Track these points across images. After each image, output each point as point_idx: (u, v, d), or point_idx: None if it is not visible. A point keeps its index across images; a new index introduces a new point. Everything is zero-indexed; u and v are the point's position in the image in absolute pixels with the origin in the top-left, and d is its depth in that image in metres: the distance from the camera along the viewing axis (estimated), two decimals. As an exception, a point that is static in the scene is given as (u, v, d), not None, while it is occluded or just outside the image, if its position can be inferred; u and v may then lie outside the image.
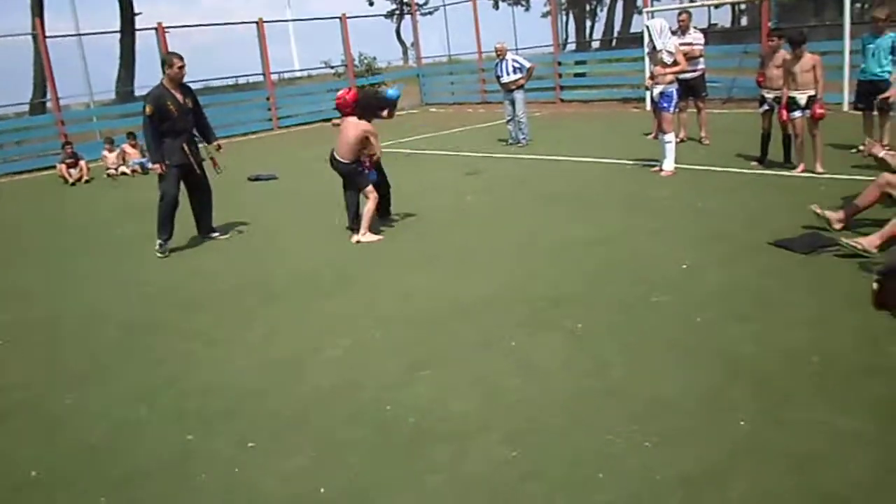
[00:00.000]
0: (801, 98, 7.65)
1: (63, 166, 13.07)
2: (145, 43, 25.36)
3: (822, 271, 4.84)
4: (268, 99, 19.62)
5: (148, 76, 25.72)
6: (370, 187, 6.81)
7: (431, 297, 5.07)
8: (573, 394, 3.48)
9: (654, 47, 8.45)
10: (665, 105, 8.35)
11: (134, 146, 13.73)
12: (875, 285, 3.31)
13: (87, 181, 12.99)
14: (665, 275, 5.01)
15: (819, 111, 7.55)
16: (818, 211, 5.68)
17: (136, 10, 29.26)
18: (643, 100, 15.33)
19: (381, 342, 4.37)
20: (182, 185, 7.15)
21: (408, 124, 17.44)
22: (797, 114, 7.73)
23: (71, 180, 12.96)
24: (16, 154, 16.70)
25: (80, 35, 19.50)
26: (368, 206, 6.77)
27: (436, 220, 7.32)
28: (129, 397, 3.94)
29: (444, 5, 23.37)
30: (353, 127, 6.69)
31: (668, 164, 8.43)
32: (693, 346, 3.87)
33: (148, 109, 6.78)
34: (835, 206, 5.80)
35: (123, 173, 13.43)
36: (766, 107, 8.34)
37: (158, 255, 6.95)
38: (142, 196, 10.87)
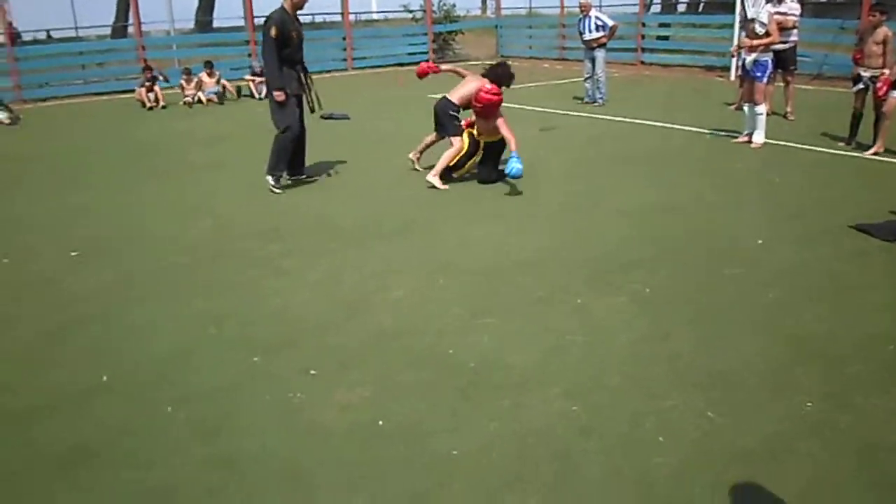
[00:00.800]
0: None
1: (143, 90, 13.38)
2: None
3: (906, 260, 4.66)
4: (344, 39, 19.60)
5: (227, 7, 25.97)
6: (456, 137, 6.88)
7: (495, 248, 5.07)
8: (637, 357, 3.46)
9: (747, 16, 8.12)
10: (759, 74, 8.03)
11: (210, 75, 13.94)
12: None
13: (163, 107, 13.28)
14: (739, 249, 4.89)
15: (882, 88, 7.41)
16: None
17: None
18: (728, 68, 14.78)
19: (443, 288, 4.39)
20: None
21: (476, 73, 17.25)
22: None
23: (149, 104, 13.28)
24: (96, 76, 17.16)
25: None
26: (447, 152, 6.85)
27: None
28: (198, 318, 4.07)
29: (529, -45, 22.81)
30: (480, 82, 6.74)
31: (759, 136, 8.16)
32: (762, 323, 3.79)
33: (273, 31, 6.40)
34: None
35: (199, 101, 13.69)
36: (860, 85, 7.96)
37: (276, 191, 6.75)
38: (216, 126, 11.11)
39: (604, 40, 11.38)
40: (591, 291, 4.25)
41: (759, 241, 5.00)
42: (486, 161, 7.03)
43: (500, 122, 6.66)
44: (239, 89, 14.46)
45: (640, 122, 9.90)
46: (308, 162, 7.38)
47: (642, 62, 18.01)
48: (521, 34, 22.84)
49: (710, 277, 4.42)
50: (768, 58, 8.05)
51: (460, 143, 6.90)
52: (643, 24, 18.72)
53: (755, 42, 7.96)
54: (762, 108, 8.11)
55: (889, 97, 7.45)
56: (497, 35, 22.17)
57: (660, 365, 3.38)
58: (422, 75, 7.51)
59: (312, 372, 3.41)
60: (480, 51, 21.25)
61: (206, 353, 3.65)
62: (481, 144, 6.95)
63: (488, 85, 6.61)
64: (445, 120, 6.91)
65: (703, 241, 5.07)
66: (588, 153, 8.14)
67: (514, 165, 6.27)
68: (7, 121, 12.41)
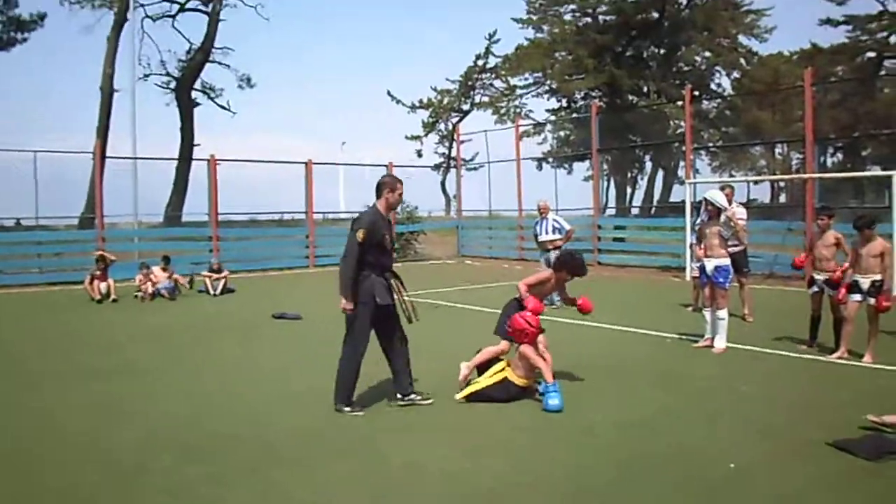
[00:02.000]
0: (865, 283, 7.27)
1: (91, 283, 13.09)
2: (197, 172, 26.39)
3: None
4: (307, 237, 19.83)
5: (196, 202, 26.54)
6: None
7: (443, 478, 4.47)
8: None
9: (705, 220, 8.24)
10: (721, 280, 7.94)
11: (165, 270, 13.75)
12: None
13: (114, 300, 12.90)
14: (709, 475, 4.39)
15: (885, 303, 7.18)
16: (875, 420, 5.09)
17: (196, 140, 30.90)
18: (683, 269, 15.04)
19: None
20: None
21: (442, 275, 17.32)
22: (857, 297, 7.31)
23: (98, 297, 12.94)
24: (53, 266, 16.93)
25: (136, 158, 20.23)
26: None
27: (455, 383, 6.81)
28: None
29: (489, 162, 23.96)
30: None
31: (721, 342, 7.95)
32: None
33: (360, 235, 5.62)
34: (900, 408, 5.20)
35: (160, 294, 13.38)
36: (815, 288, 7.93)
37: (358, 414, 5.73)
38: (156, 322, 10.65)
39: (559, 243, 11.54)
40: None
41: (732, 465, 4.53)
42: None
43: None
44: (191, 282, 14.20)
45: (598, 325, 9.69)
46: (243, 362, 6.88)
47: (599, 262, 18.34)
48: (482, 235, 23.45)
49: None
50: (728, 262, 8.03)
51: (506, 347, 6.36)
52: (599, 227, 19.33)
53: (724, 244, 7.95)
54: (724, 314, 7.95)
55: (849, 301, 7.39)
56: (458, 235, 22.71)
57: None
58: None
59: None
60: (442, 250, 21.65)
61: None
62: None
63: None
64: (508, 310, 6.59)
65: (668, 467, 4.55)
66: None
67: (551, 402, 5.71)
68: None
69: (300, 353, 8.31)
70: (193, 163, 27.59)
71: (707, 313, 8.16)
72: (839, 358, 7.41)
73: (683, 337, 8.69)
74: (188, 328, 10.11)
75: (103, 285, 13.07)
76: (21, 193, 18.07)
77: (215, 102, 33.31)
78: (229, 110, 33.53)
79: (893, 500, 4.02)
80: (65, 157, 19.34)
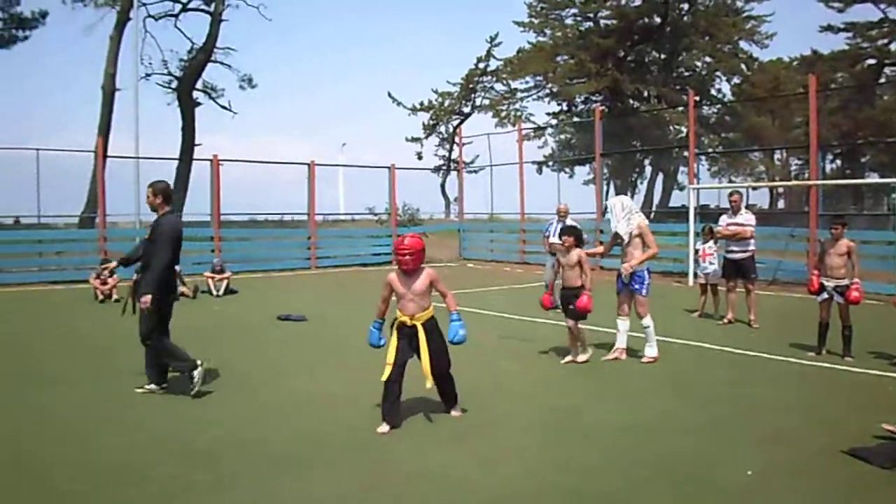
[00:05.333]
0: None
1: (97, 280, 13.05)
2: (197, 172, 26.40)
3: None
4: (309, 238, 19.80)
5: (198, 202, 26.49)
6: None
7: (453, 483, 4.44)
8: None
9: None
10: (637, 287, 7.89)
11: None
12: None
13: (116, 300, 12.86)
14: (726, 482, 4.37)
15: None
16: (890, 428, 5.08)
17: (197, 140, 30.88)
18: (685, 274, 15.03)
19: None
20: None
21: (443, 278, 17.28)
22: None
23: (101, 297, 12.93)
24: (54, 264, 16.88)
25: (138, 158, 20.17)
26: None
27: (463, 387, 6.77)
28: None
29: (491, 165, 23.95)
30: (577, 253, 7.49)
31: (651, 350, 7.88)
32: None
33: None
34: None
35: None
36: (825, 295, 7.93)
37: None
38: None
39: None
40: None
41: (749, 473, 4.50)
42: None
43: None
44: (196, 287, 14.15)
45: (603, 329, 9.64)
46: (250, 365, 6.82)
47: (601, 267, 18.30)
48: (483, 238, 23.42)
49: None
50: (645, 269, 8.04)
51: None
52: (601, 231, 19.30)
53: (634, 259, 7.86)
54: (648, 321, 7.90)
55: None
56: (459, 238, 22.68)
57: None
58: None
59: None
60: (443, 253, 21.59)
61: None
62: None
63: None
64: (569, 300, 7.56)
65: (681, 472, 4.53)
66: (551, 364, 7.75)
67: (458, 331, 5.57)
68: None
69: (307, 356, 8.27)
70: (194, 162, 27.57)
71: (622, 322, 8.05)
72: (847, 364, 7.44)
73: (689, 343, 8.67)
74: (192, 329, 10.04)
75: (105, 287, 13.05)
76: (21, 192, 18.08)
77: (216, 102, 33.30)
78: (230, 110, 33.52)
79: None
80: (66, 154, 19.27)
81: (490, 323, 10.50)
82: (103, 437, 5.30)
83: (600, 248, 8.11)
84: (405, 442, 5.19)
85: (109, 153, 21.10)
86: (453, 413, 5.76)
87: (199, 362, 6.37)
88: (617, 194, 35.35)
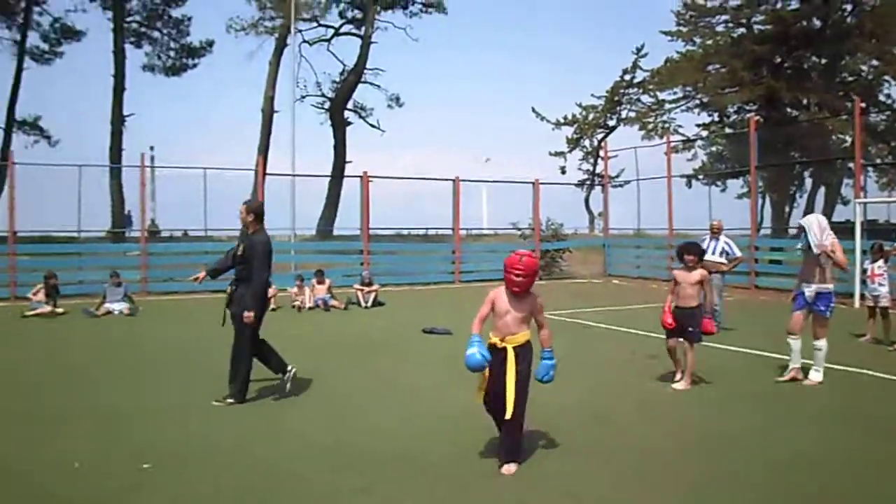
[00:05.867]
0: None
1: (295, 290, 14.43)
2: (348, 188, 27.71)
3: None
4: (453, 252, 20.18)
5: (348, 217, 27.76)
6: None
7: None
8: None
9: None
10: (822, 308, 7.49)
11: (321, 282, 14.47)
12: None
13: (273, 309, 13.70)
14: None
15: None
16: None
17: (348, 158, 32.39)
18: (851, 295, 13.96)
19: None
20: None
21: (588, 295, 17.06)
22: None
23: (299, 305, 14.17)
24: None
25: (294, 175, 21.47)
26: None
27: (610, 408, 6.66)
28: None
29: (638, 179, 23.36)
30: (700, 272, 7.51)
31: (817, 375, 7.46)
32: None
33: None
34: None
35: (310, 308, 14.13)
36: None
37: None
38: (316, 331, 11.18)
39: (724, 268, 10.82)
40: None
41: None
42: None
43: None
44: (349, 299, 14.82)
45: (763, 353, 9.16)
46: (397, 377, 6.99)
47: (756, 286, 17.40)
48: (629, 254, 22.90)
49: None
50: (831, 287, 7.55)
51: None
52: (756, 248, 18.35)
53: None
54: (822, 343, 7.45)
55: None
56: (605, 254, 22.29)
57: None
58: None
59: None
60: (587, 269, 21.33)
61: None
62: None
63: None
64: (691, 319, 7.43)
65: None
66: (702, 391, 7.37)
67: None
68: (127, 311, 13.26)
69: (454, 371, 8.41)
70: (345, 179, 28.90)
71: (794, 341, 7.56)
72: None
73: (857, 371, 8.05)
74: (340, 341, 10.53)
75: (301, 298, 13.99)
76: (190, 206, 19.68)
77: (366, 121, 34.77)
78: (379, 129, 34.86)
79: None
80: (230, 173, 20.83)
81: (635, 342, 10.25)
82: (257, 442, 5.69)
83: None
84: (555, 462, 5.18)
85: (268, 171, 22.58)
86: (504, 470, 4.89)
87: (290, 367, 6.95)
88: (773, 209, 33.52)
